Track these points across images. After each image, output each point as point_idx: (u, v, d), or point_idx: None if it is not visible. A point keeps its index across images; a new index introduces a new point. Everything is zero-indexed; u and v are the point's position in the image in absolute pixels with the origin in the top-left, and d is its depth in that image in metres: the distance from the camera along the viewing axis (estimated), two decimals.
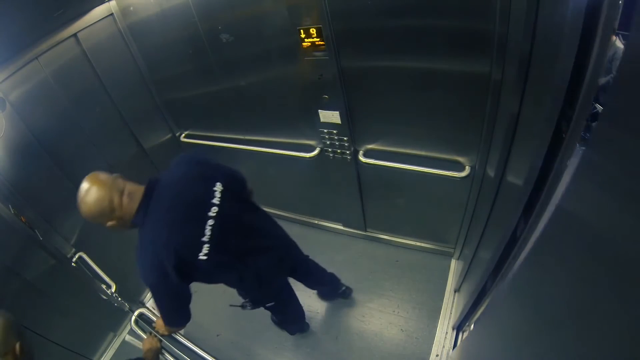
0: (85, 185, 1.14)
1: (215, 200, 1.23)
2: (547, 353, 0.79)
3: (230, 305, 1.69)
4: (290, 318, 2.09)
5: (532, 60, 0.87)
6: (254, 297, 1.64)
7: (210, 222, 1.21)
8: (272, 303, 1.73)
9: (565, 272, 0.76)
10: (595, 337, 0.60)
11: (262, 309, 1.74)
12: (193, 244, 1.19)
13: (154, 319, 1.78)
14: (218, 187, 1.26)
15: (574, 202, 0.76)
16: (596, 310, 0.61)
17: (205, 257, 1.19)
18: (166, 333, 1.62)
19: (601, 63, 0.54)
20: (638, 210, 0.53)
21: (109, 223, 1.17)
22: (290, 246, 1.71)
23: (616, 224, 0.60)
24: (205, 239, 1.20)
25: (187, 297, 1.31)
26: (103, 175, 1.17)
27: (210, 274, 1.30)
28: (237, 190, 1.36)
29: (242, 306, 1.65)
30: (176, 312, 1.34)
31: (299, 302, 2.04)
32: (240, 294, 1.63)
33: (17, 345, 1.03)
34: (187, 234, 1.19)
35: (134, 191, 1.19)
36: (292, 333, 2.21)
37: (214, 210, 1.22)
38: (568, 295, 0.73)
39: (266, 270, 1.47)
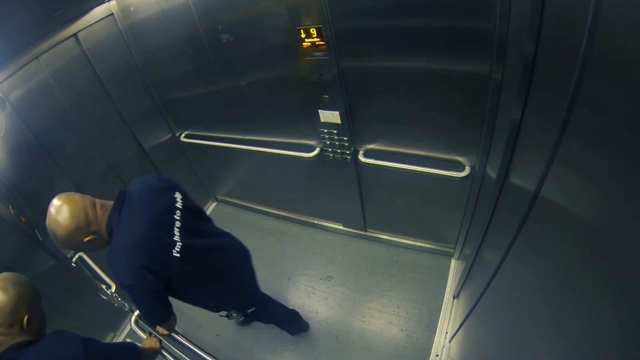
0: (56, 206, 1.14)
1: (178, 205, 1.36)
2: (539, 340, 0.80)
3: (220, 315, 1.72)
4: (281, 320, 2.10)
5: (536, 61, 0.87)
6: (232, 303, 1.66)
7: (177, 224, 1.31)
8: (253, 308, 1.74)
9: (551, 261, 0.77)
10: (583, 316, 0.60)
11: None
12: (166, 243, 1.27)
13: None
14: (178, 195, 1.39)
15: (554, 189, 0.77)
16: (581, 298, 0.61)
17: (178, 255, 1.27)
18: (166, 333, 1.62)
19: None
20: (616, 195, 0.53)
21: (86, 239, 1.17)
22: (246, 248, 1.76)
23: (595, 208, 0.60)
24: (176, 238, 1.29)
25: (164, 294, 1.33)
26: (71, 194, 1.20)
27: (183, 276, 1.33)
28: (189, 202, 1.48)
29: (228, 316, 1.69)
30: (157, 310, 1.35)
31: (281, 304, 2.04)
32: (220, 303, 1.63)
33: (25, 318, 1.05)
34: (160, 234, 1.27)
35: (106, 203, 1.25)
36: (292, 333, 2.22)
37: (177, 214, 1.34)
38: (555, 284, 0.74)
39: (233, 268, 1.58)
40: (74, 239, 1.16)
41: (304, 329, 2.24)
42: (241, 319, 1.73)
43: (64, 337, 1.14)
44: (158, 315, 1.39)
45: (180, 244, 1.29)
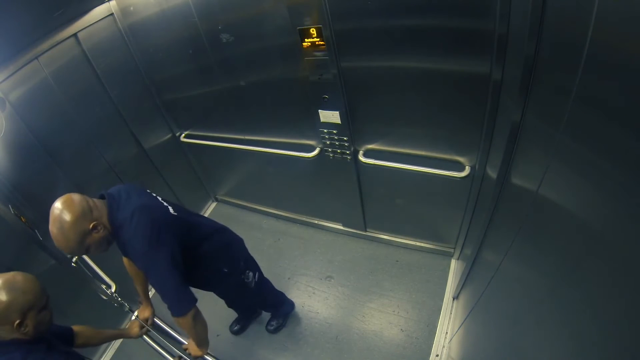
0: (60, 201, 1.22)
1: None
2: (539, 339, 0.80)
3: (238, 284, 1.78)
4: (276, 298, 2.20)
5: (537, 61, 0.87)
6: (238, 259, 1.75)
7: (159, 198, 1.49)
8: (258, 272, 1.87)
9: (550, 260, 0.77)
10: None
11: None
12: (162, 206, 1.43)
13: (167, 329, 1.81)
14: None
15: (554, 189, 0.77)
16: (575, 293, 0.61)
17: (175, 213, 1.43)
18: (200, 353, 1.56)
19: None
20: (616, 194, 0.54)
21: (91, 224, 1.23)
22: None
23: (594, 207, 0.60)
24: (165, 204, 1.45)
25: (182, 269, 1.35)
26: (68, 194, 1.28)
27: (186, 235, 1.43)
28: None
29: (246, 281, 1.76)
30: (177, 282, 1.32)
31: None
32: (230, 263, 1.68)
33: (16, 323, 1.06)
34: (155, 201, 1.43)
35: (95, 200, 1.33)
36: (287, 313, 2.30)
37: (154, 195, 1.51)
38: (555, 282, 0.74)
39: (221, 234, 1.68)
40: (81, 227, 1.20)
41: (291, 308, 2.33)
42: (255, 281, 1.82)
43: None
44: (178, 287, 1.33)
45: (170, 207, 1.45)
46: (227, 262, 1.66)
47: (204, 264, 1.56)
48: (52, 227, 1.19)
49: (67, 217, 1.19)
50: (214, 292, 1.87)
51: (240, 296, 1.96)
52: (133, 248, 1.29)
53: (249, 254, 1.84)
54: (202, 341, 1.53)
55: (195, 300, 1.39)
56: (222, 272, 1.64)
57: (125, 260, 1.66)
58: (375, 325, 2.17)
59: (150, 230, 1.28)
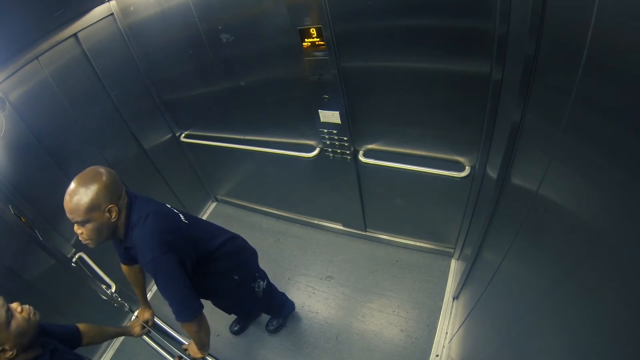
0: (103, 169, 1.25)
1: None
2: (539, 339, 0.80)
3: (250, 291, 1.78)
4: (280, 300, 2.19)
5: (537, 61, 0.87)
6: (248, 267, 1.75)
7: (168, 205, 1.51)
8: (266, 280, 1.86)
9: (550, 260, 0.77)
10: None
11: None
12: (174, 213, 1.45)
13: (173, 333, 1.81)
14: None
15: (554, 189, 0.77)
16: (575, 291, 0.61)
17: (186, 222, 1.44)
18: (200, 356, 1.57)
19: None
20: (615, 194, 0.54)
21: (109, 205, 1.22)
22: None
23: (593, 207, 0.60)
24: (176, 211, 1.47)
25: (187, 270, 1.34)
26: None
27: (196, 243, 1.43)
28: None
29: (257, 288, 1.77)
30: (185, 287, 1.31)
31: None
32: (240, 270, 1.67)
33: None
34: (167, 209, 1.45)
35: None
36: (287, 313, 2.29)
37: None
38: (554, 282, 0.74)
39: (232, 241, 1.66)
40: (100, 198, 1.19)
41: (292, 308, 2.32)
42: (263, 289, 1.82)
43: None
44: (187, 293, 1.32)
45: (181, 215, 1.45)
46: (239, 270, 1.65)
47: (217, 272, 1.55)
48: (76, 182, 1.19)
49: (98, 181, 1.19)
50: (219, 304, 1.88)
51: (246, 303, 1.96)
52: (142, 251, 1.26)
53: (259, 266, 1.84)
54: (204, 345, 1.54)
55: (202, 307, 1.40)
56: (233, 280, 1.64)
57: (124, 267, 1.66)
58: (375, 325, 2.17)
59: (162, 236, 1.27)
